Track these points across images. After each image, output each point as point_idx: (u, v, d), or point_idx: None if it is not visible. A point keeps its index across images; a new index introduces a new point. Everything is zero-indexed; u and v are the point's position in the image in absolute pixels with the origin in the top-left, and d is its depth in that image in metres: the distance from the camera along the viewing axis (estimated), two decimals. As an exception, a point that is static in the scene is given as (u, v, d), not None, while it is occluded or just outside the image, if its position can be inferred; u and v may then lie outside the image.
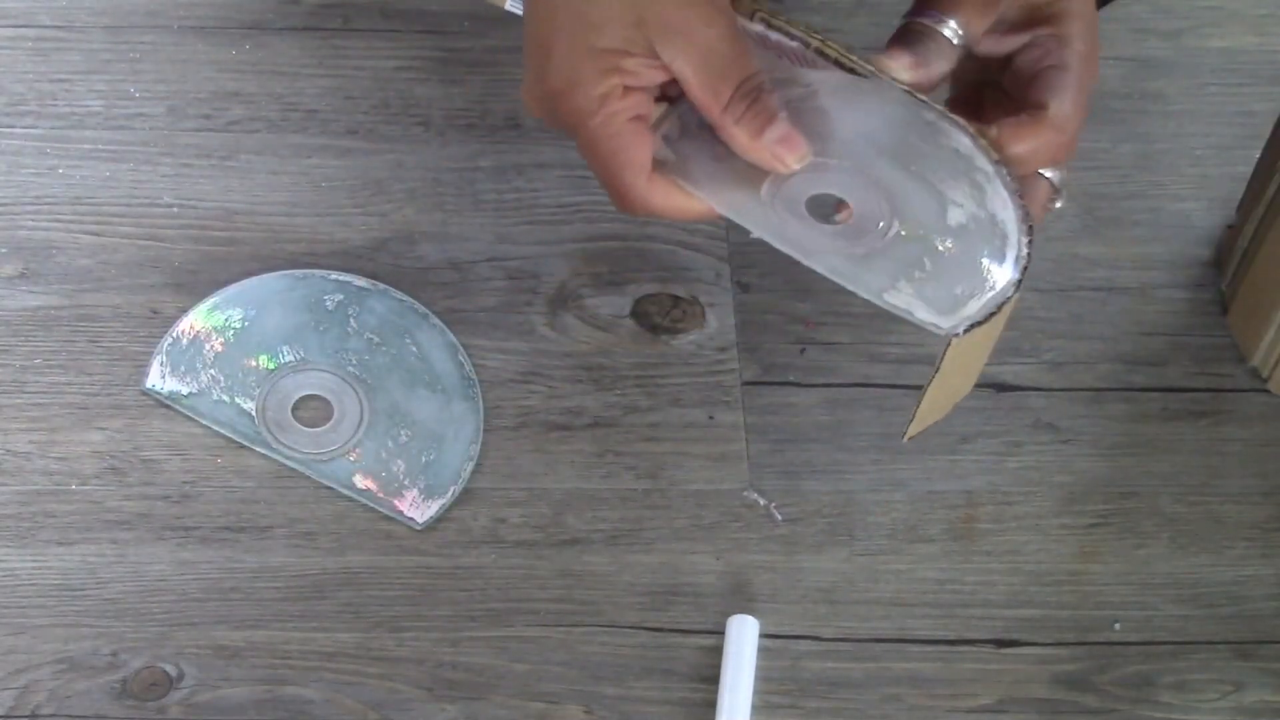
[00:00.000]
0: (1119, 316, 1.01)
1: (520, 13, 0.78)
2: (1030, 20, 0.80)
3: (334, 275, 0.99)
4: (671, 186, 0.77)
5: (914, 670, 0.91)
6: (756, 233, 0.76)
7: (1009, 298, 0.76)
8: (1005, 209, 0.77)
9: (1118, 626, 0.93)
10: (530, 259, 1.00)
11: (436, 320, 0.98)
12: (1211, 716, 0.91)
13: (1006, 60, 0.81)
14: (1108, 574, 0.94)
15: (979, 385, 0.98)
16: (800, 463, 0.96)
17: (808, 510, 0.95)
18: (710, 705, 0.89)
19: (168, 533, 0.92)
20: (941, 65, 0.80)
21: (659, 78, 0.75)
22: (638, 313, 0.99)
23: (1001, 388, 0.99)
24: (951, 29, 0.79)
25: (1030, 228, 0.76)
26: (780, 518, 0.94)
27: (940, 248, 0.76)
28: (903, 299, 0.75)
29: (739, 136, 0.75)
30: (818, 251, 0.76)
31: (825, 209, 0.77)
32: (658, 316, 0.99)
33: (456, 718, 0.88)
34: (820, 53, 0.80)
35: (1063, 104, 0.79)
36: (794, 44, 0.80)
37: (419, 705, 0.88)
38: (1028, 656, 0.92)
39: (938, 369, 0.77)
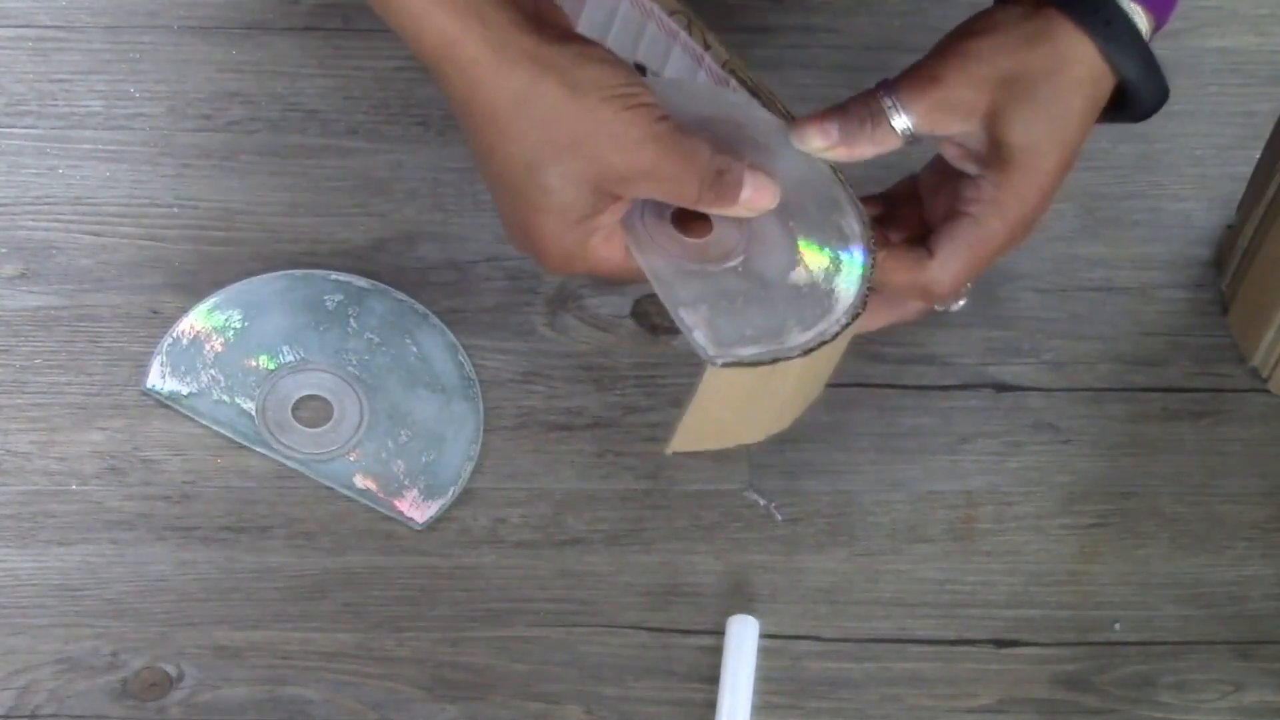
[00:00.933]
0: (1119, 316, 1.01)
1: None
2: (989, 157, 0.79)
3: (334, 275, 0.99)
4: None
5: (914, 670, 0.91)
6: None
7: (788, 358, 0.78)
8: (847, 293, 0.79)
9: (1118, 626, 0.93)
10: (530, 259, 1.00)
11: (436, 320, 0.98)
12: (1211, 716, 0.91)
13: (956, 175, 0.80)
14: (1108, 574, 0.94)
15: (979, 385, 0.98)
16: (800, 463, 0.96)
17: (808, 510, 0.95)
18: (710, 705, 0.89)
19: (168, 533, 0.92)
20: (868, 150, 0.79)
21: (629, 204, 0.78)
22: (638, 313, 0.99)
23: (1001, 388, 0.99)
24: (902, 121, 0.78)
25: (853, 317, 0.79)
26: (780, 518, 0.94)
27: (761, 295, 0.79)
28: (694, 318, 0.78)
29: (721, 209, 0.78)
30: (650, 251, 0.79)
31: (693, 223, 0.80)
32: (657, 316, 0.99)
33: (456, 718, 0.88)
34: (768, 104, 0.82)
35: (948, 263, 0.79)
36: (746, 94, 0.82)
37: (419, 705, 0.88)
38: (1028, 656, 0.92)
39: (694, 393, 0.80)
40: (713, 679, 0.90)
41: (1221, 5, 1.11)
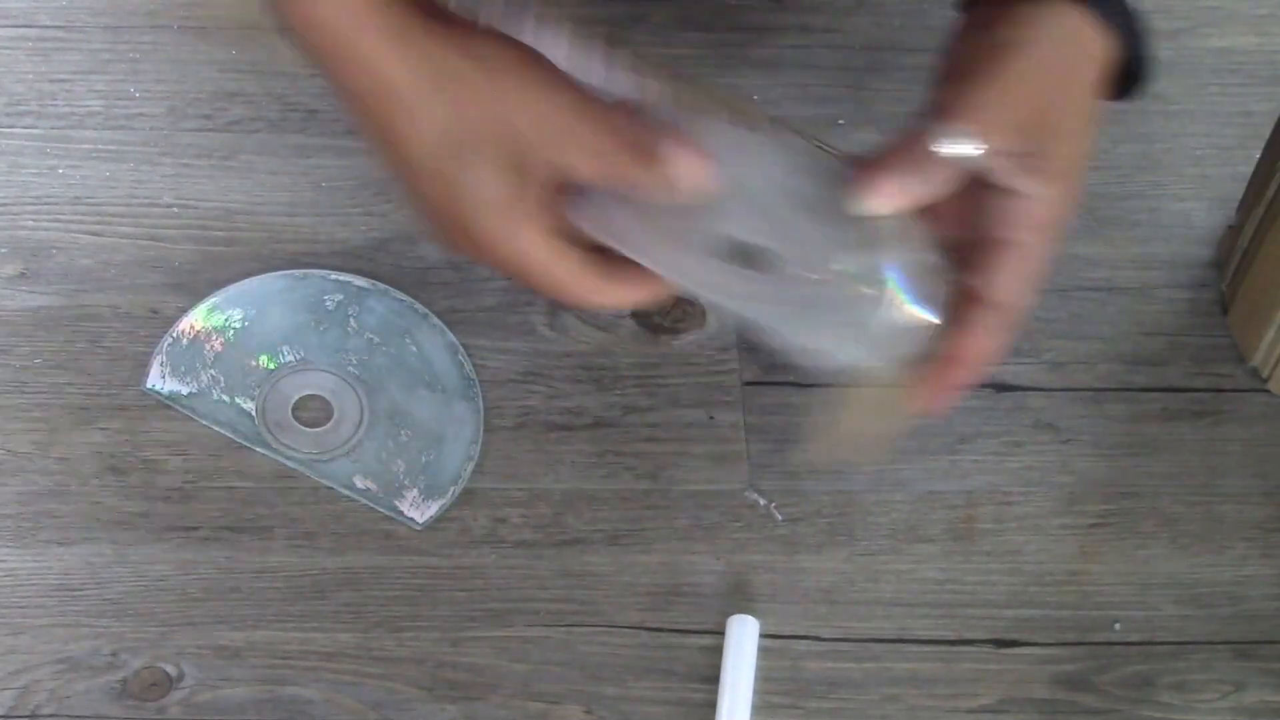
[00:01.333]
0: (1119, 316, 1.01)
1: None
2: (1028, 168, 0.74)
3: (334, 275, 0.99)
4: (610, 286, 0.76)
5: (914, 670, 0.91)
6: (702, 293, 0.75)
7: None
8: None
9: (1118, 626, 0.93)
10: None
11: (436, 320, 0.98)
12: (1211, 717, 0.91)
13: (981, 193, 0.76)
14: (1108, 574, 0.94)
15: (979, 385, 0.98)
16: (800, 463, 0.96)
17: (808, 510, 0.95)
18: (710, 705, 0.89)
19: (168, 533, 0.92)
20: (929, 193, 0.73)
21: (549, 192, 0.74)
22: (638, 313, 0.99)
23: (1001, 388, 0.99)
24: (963, 148, 0.72)
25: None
26: (780, 518, 0.94)
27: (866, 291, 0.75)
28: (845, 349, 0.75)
29: (649, 184, 0.73)
30: (759, 301, 0.75)
31: (747, 255, 0.76)
32: (658, 316, 0.99)
33: (456, 718, 0.88)
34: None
35: (1012, 304, 0.75)
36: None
37: (419, 705, 0.88)
38: (1028, 656, 0.92)
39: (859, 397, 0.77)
40: (713, 679, 0.90)
41: (1221, 5, 1.11)
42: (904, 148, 0.73)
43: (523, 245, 0.74)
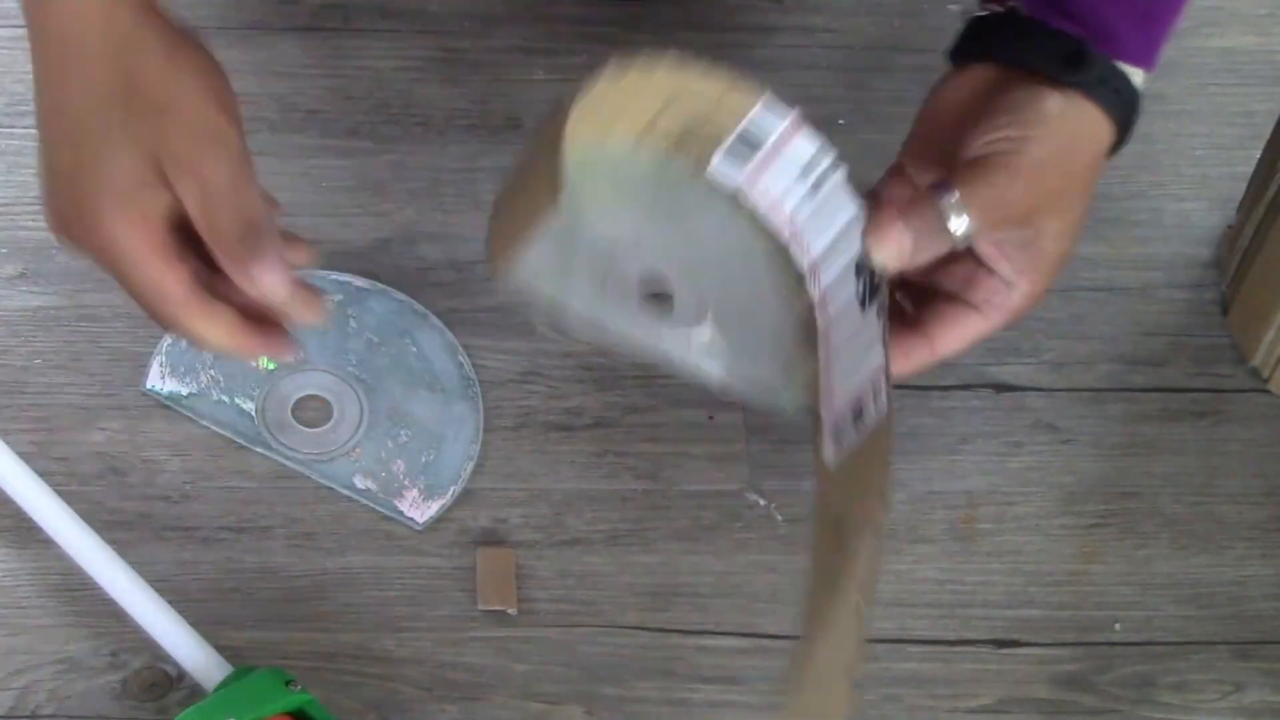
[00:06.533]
0: (1119, 316, 1.01)
1: None
2: (1018, 257, 0.76)
3: (334, 275, 0.99)
4: (212, 313, 0.74)
5: (914, 670, 0.91)
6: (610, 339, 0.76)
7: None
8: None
9: (1118, 627, 0.93)
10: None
11: (436, 320, 0.98)
12: (1211, 717, 0.91)
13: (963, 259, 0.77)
14: (1108, 574, 0.94)
15: (979, 385, 0.98)
16: (800, 463, 0.96)
17: (808, 510, 0.94)
18: (710, 705, 0.89)
19: (168, 533, 0.92)
20: (928, 258, 0.74)
21: (175, 208, 0.73)
22: (638, 313, 0.99)
23: (1001, 388, 0.99)
24: (962, 225, 0.73)
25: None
26: (780, 518, 0.94)
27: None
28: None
29: (239, 270, 0.73)
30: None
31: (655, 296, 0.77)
32: (658, 317, 0.99)
33: (456, 718, 0.88)
34: None
35: (945, 352, 0.77)
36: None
37: (419, 705, 0.88)
38: (1028, 657, 0.92)
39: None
40: (713, 679, 0.90)
41: (1221, 5, 1.11)
42: (914, 210, 0.73)
43: (134, 241, 0.72)
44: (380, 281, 0.99)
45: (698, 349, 0.77)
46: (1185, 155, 1.06)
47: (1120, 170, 1.05)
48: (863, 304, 0.74)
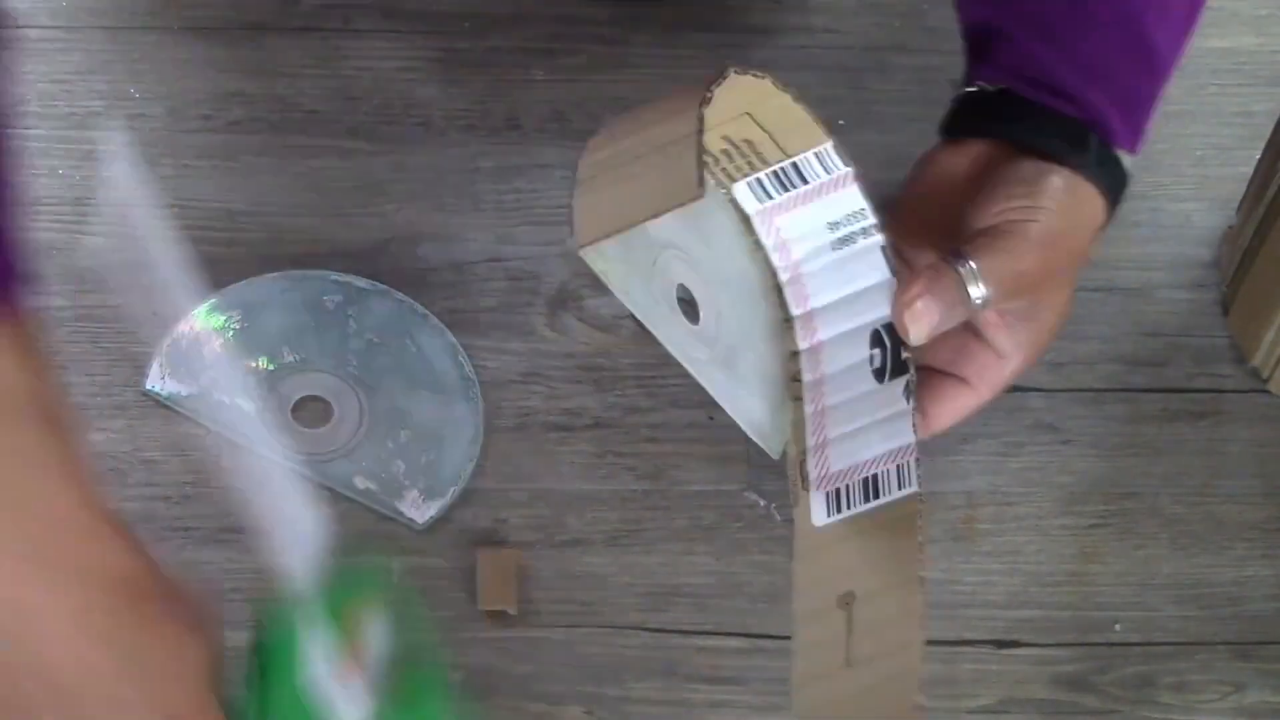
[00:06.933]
0: (1119, 316, 1.01)
1: None
2: (1014, 330, 0.76)
3: (334, 276, 0.99)
4: None
5: (914, 670, 0.91)
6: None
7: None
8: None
9: (1118, 627, 0.93)
10: (530, 259, 1.00)
11: (436, 321, 0.98)
12: (1211, 717, 0.91)
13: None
14: (1108, 574, 0.94)
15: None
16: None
17: (808, 510, 0.94)
18: (710, 705, 0.89)
19: (168, 533, 0.92)
20: (949, 325, 0.73)
21: None
22: (638, 313, 0.99)
23: (1001, 388, 0.99)
24: (979, 292, 0.72)
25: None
26: (780, 518, 0.94)
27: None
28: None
29: None
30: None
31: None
32: (658, 317, 0.99)
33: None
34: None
35: (932, 424, 0.76)
36: None
37: (419, 706, 0.88)
38: (1028, 657, 0.92)
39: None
40: (713, 679, 0.90)
41: (1221, 5, 1.11)
42: (938, 282, 0.72)
43: None
44: (380, 282, 0.99)
45: (718, 365, 0.78)
46: (1185, 155, 1.06)
47: (1120, 170, 1.05)
48: (880, 376, 0.74)
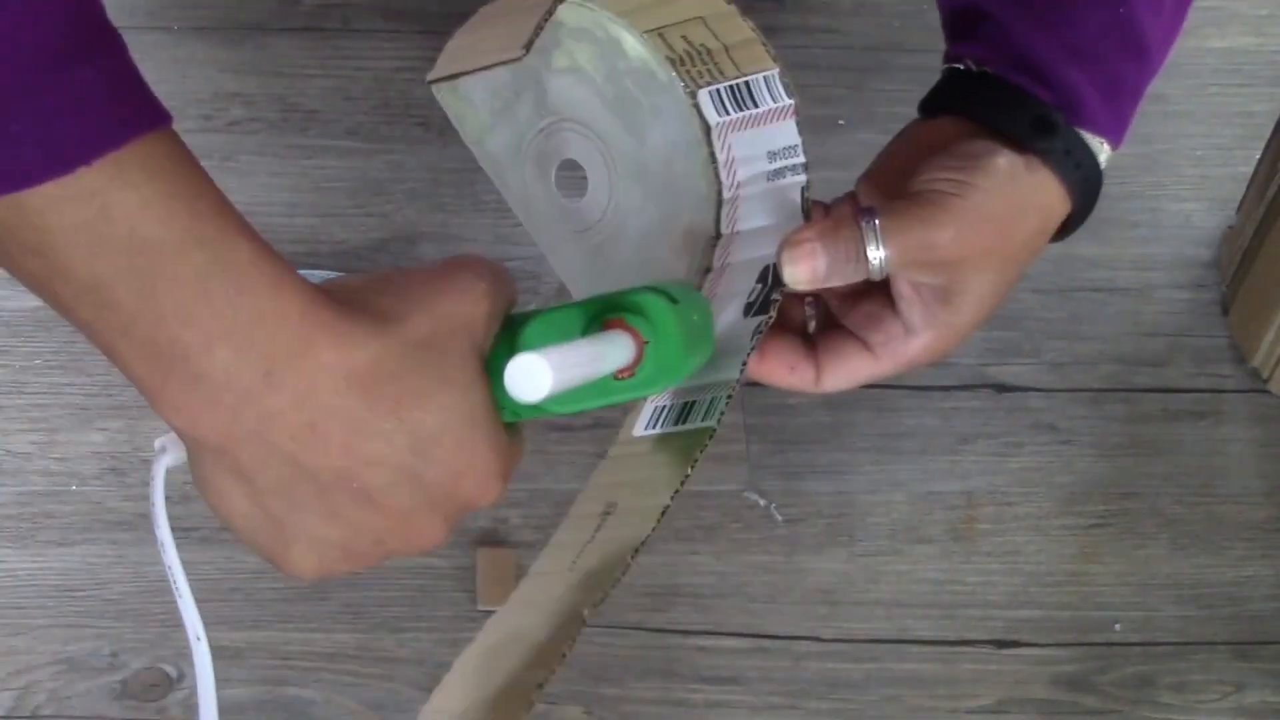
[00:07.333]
0: (1119, 317, 1.01)
1: None
2: (930, 305, 0.72)
3: (334, 276, 0.99)
4: None
5: (914, 671, 0.91)
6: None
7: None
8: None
9: (1118, 627, 0.93)
10: (530, 259, 1.00)
11: (436, 320, 0.98)
12: (1211, 717, 0.91)
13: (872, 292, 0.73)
14: (1108, 575, 0.94)
15: (979, 385, 0.98)
16: (800, 463, 0.96)
17: (808, 511, 0.95)
18: (711, 705, 0.89)
19: (168, 533, 0.92)
20: (840, 283, 0.70)
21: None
22: (638, 313, 0.99)
23: (1001, 388, 0.99)
24: (878, 254, 0.70)
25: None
26: (780, 518, 0.94)
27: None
28: None
29: None
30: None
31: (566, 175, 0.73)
32: (658, 317, 0.99)
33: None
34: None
35: (827, 382, 0.73)
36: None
37: (419, 705, 0.88)
38: (1028, 657, 0.92)
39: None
40: (713, 679, 0.90)
41: (1222, 5, 1.11)
42: (842, 228, 0.70)
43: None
44: (380, 281, 0.99)
45: (580, 243, 0.75)
46: (1185, 156, 1.06)
47: (1120, 170, 1.05)
48: (748, 310, 0.72)
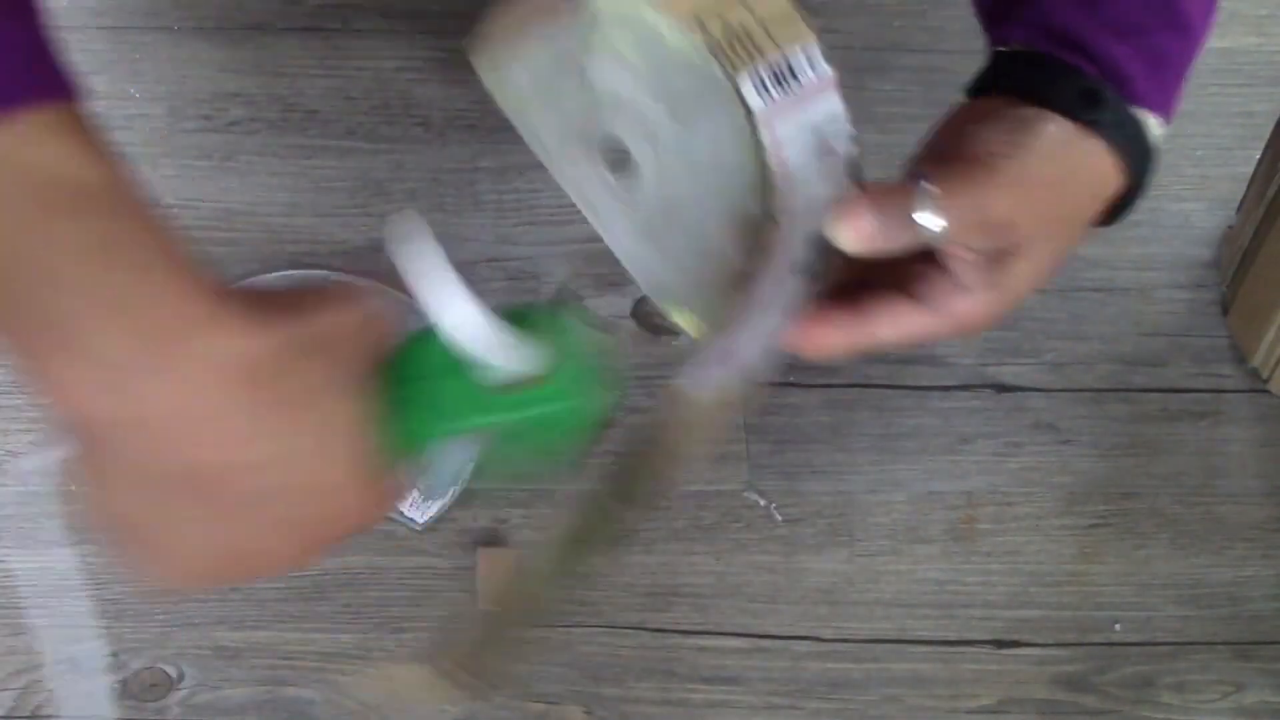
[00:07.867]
0: (1119, 316, 1.01)
1: None
2: (982, 274, 0.71)
3: (334, 276, 0.99)
4: None
5: (914, 671, 0.91)
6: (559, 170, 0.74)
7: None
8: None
9: (1118, 627, 0.93)
10: (530, 259, 1.00)
11: (436, 320, 0.98)
12: (1211, 717, 0.91)
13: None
14: (1108, 574, 0.94)
15: (979, 386, 0.98)
16: (800, 463, 0.96)
17: (808, 511, 0.95)
18: (710, 705, 0.89)
19: (168, 533, 0.92)
20: (898, 246, 0.70)
21: None
22: (638, 313, 0.99)
23: (1001, 388, 0.99)
24: (936, 221, 0.69)
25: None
26: (780, 518, 0.94)
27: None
28: None
29: None
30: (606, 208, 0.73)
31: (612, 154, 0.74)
32: (658, 317, 0.99)
33: (457, 718, 0.88)
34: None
35: (882, 337, 0.72)
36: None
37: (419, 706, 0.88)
38: (1028, 657, 0.92)
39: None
40: (713, 679, 0.90)
41: (1222, 5, 1.11)
42: (887, 197, 0.70)
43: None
44: (380, 282, 0.99)
45: (627, 226, 0.76)
46: (1185, 155, 1.06)
47: (1120, 170, 1.05)
48: (795, 272, 0.72)
